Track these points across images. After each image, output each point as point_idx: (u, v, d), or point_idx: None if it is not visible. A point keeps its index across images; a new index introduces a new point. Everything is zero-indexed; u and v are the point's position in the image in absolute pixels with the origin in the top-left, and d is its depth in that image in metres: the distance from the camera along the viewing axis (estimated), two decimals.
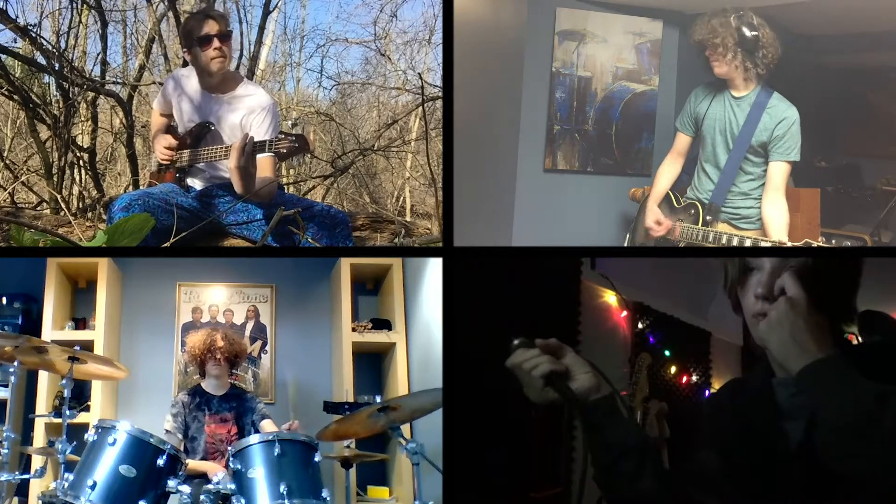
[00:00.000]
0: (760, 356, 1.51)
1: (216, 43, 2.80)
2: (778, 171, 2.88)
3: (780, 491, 1.40)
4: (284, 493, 2.51)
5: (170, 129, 3.11)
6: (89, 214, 4.10)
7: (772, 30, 2.89)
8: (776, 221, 2.84)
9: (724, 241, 2.92)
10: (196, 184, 3.01)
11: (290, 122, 5.27)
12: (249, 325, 4.00)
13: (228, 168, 2.66)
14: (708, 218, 3.06)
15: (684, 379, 3.79)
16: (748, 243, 2.80)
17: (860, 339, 1.66)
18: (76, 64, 4.47)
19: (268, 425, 3.22)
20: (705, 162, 3.11)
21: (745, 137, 2.93)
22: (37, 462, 3.10)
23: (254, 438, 2.67)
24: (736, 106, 2.98)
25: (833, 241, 4.05)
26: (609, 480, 1.49)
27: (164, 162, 3.00)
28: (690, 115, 3.17)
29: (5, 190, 4.41)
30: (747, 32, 2.83)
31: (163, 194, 2.83)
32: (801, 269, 1.41)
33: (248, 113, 2.87)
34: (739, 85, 2.96)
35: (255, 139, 2.64)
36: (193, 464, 3.01)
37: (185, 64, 4.51)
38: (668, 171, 3.27)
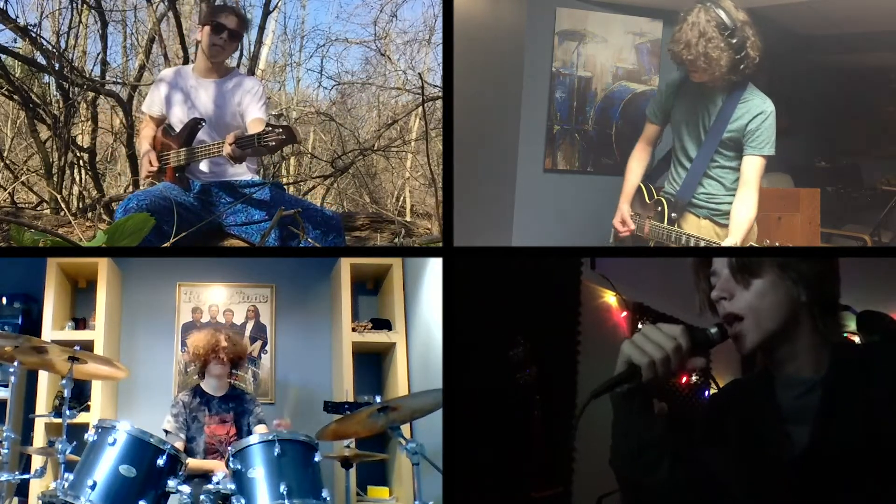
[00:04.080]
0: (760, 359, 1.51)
1: (225, 35, 2.94)
2: (751, 166, 2.78)
3: (784, 492, 1.40)
4: (284, 493, 2.51)
5: (166, 131, 3.09)
6: (89, 214, 4.10)
7: (754, 28, 2.71)
8: (739, 218, 2.76)
9: (683, 241, 2.85)
10: (196, 180, 3.02)
11: (274, 113, 5.26)
12: (249, 325, 4.00)
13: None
14: (673, 215, 2.97)
15: (684, 379, 3.79)
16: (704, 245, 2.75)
17: (860, 339, 1.67)
18: (76, 64, 4.47)
19: (262, 430, 3.21)
20: (678, 154, 3.00)
21: (717, 132, 2.82)
22: (37, 462, 3.10)
23: (254, 438, 2.67)
24: (709, 100, 2.84)
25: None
26: (627, 468, 1.50)
27: (146, 178, 3.02)
28: (661, 104, 3.04)
29: (5, 190, 4.42)
30: (736, 55, 2.68)
31: (166, 193, 2.83)
32: (748, 267, 1.44)
33: (242, 95, 2.99)
34: (717, 85, 2.82)
35: (247, 132, 2.73)
36: (196, 463, 3.01)
37: (185, 61, 4.53)
38: (637, 164, 3.15)
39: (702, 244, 2.76)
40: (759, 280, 1.43)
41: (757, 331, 1.43)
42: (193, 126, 2.95)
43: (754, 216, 2.76)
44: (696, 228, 2.93)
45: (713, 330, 1.45)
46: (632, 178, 3.14)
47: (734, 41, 2.66)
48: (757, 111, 2.75)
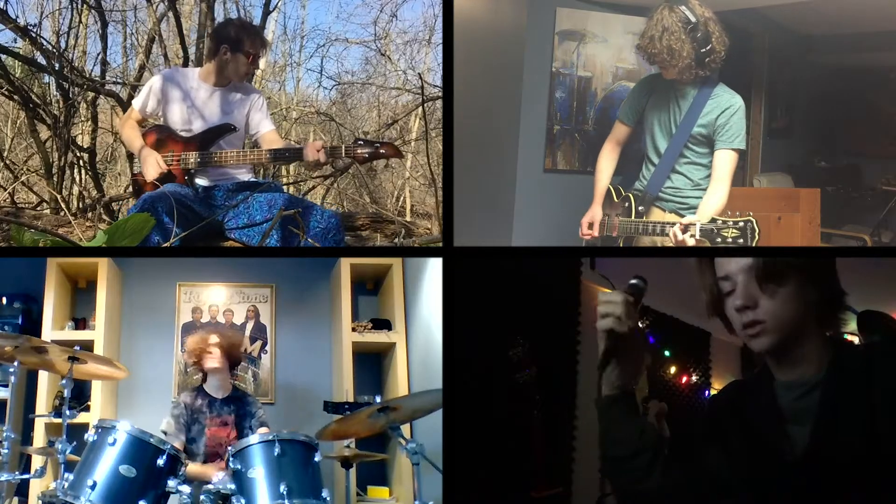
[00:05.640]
0: (760, 359, 1.51)
1: (256, 64, 3.11)
2: (721, 160, 2.81)
3: (785, 493, 1.40)
4: (284, 493, 2.51)
5: (172, 133, 3.08)
6: (89, 214, 4.10)
7: (720, 25, 2.80)
8: (706, 207, 2.78)
9: (650, 230, 2.88)
10: (202, 181, 3.02)
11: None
12: (249, 325, 4.00)
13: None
14: (640, 209, 3.00)
15: (684, 379, 3.80)
16: (675, 230, 2.73)
17: (860, 339, 1.67)
18: (76, 64, 4.47)
19: (264, 432, 3.20)
20: (649, 152, 3.04)
21: (687, 127, 2.87)
22: (37, 462, 3.10)
23: (254, 438, 2.66)
24: (680, 96, 2.90)
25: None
26: (619, 475, 1.50)
27: (154, 179, 2.98)
28: (633, 106, 3.09)
29: (5, 190, 4.42)
30: (701, 48, 2.76)
31: (177, 195, 2.83)
32: (770, 272, 1.42)
33: (250, 108, 3.10)
34: (685, 80, 2.88)
35: (261, 143, 2.81)
36: (193, 468, 3.00)
37: (185, 63, 4.53)
38: (607, 164, 3.17)
39: (667, 229, 2.76)
40: (783, 289, 1.42)
41: (776, 334, 1.43)
42: (223, 130, 3.01)
43: (722, 207, 2.78)
44: (661, 220, 2.95)
45: (634, 281, 1.58)
46: (603, 178, 3.17)
47: (698, 35, 2.75)
48: (726, 105, 2.81)
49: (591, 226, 3.12)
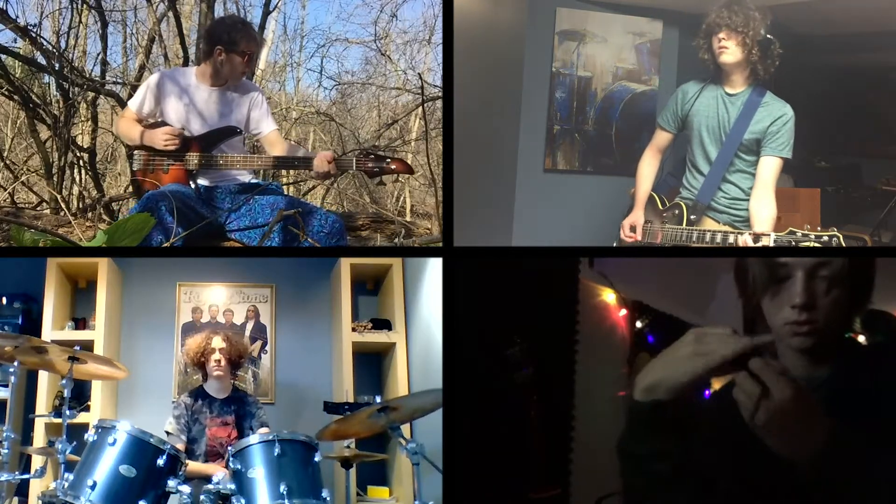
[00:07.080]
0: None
1: (251, 64, 3.07)
2: (768, 167, 2.81)
3: (785, 493, 1.40)
4: (284, 493, 2.51)
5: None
6: (89, 214, 4.10)
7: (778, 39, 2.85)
8: (759, 215, 2.77)
9: (708, 238, 2.85)
10: (204, 181, 3.02)
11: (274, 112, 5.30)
12: (249, 325, 4.00)
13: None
14: (692, 217, 2.98)
15: None
16: (733, 238, 2.73)
17: (864, 339, 1.67)
18: (76, 64, 4.47)
19: (264, 433, 3.20)
20: (695, 160, 3.02)
21: (737, 134, 2.85)
22: (37, 462, 3.10)
23: (254, 438, 2.67)
24: (729, 102, 2.89)
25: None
26: (650, 485, 1.49)
27: (169, 148, 2.96)
28: (676, 112, 3.07)
29: (5, 190, 4.42)
30: (767, 34, 2.79)
31: (178, 194, 2.82)
32: (835, 274, 1.41)
33: (249, 104, 3.07)
34: (737, 81, 2.88)
35: (264, 144, 2.77)
36: (194, 466, 3.00)
37: (185, 63, 4.53)
38: (648, 170, 3.17)
39: (731, 238, 2.74)
40: (838, 291, 1.42)
41: (820, 334, 1.43)
42: (227, 133, 3.00)
43: (775, 215, 2.77)
44: (718, 229, 2.94)
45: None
46: (645, 184, 3.16)
47: (766, 21, 2.81)
48: (778, 114, 2.81)
49: (633, 229, 3.11)
